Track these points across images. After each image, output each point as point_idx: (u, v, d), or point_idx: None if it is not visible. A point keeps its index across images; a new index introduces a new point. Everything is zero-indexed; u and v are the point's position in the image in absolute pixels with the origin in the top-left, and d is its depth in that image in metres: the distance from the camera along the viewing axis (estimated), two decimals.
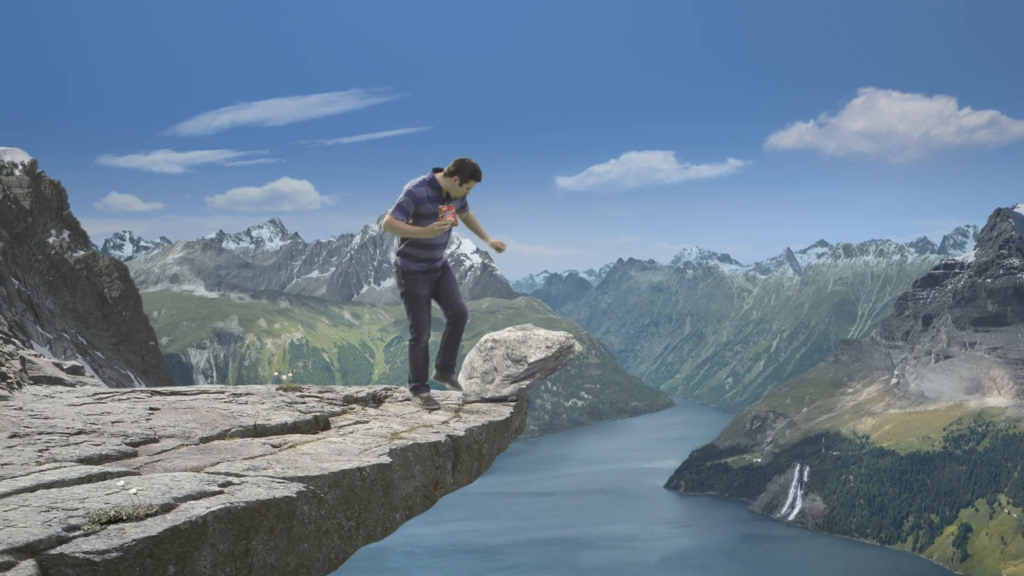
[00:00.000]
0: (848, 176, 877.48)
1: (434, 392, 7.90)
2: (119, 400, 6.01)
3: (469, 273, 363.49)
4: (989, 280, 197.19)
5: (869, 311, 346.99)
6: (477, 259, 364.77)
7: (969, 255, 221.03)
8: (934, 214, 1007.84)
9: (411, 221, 7.39)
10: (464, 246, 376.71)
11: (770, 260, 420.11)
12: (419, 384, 7.79)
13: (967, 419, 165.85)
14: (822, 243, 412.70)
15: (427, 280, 7.71)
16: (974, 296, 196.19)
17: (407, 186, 7.35)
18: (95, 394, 6.22)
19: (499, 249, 7.96)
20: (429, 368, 7.92)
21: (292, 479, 4.21)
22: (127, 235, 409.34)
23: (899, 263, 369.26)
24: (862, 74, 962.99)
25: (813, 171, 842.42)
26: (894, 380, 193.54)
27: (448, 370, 8.04)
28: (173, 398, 6.20)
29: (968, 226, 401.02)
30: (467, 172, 7.39)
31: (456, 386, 7.95)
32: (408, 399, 7.55)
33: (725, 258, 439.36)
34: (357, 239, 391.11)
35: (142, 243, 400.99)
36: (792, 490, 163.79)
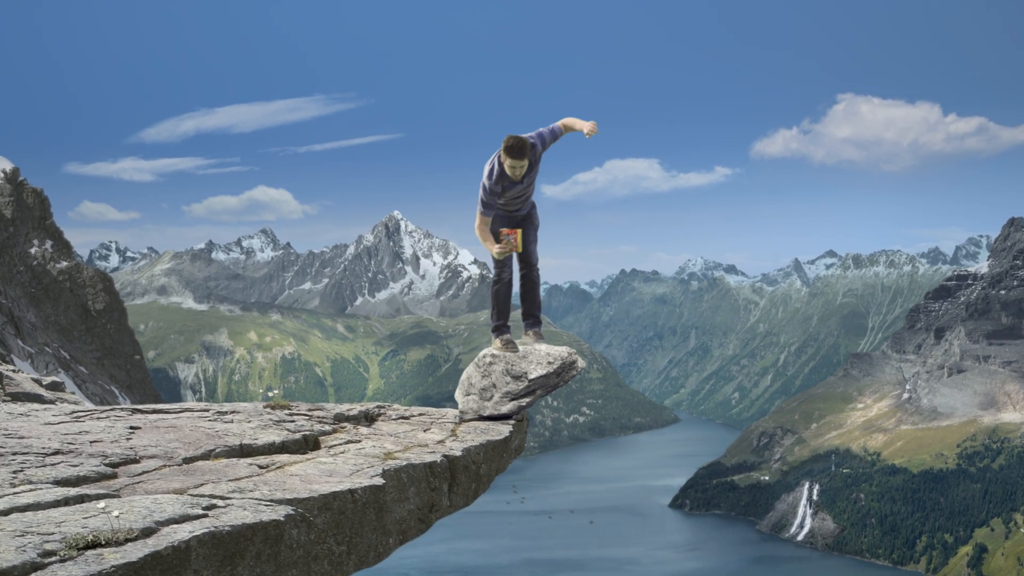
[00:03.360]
0: (841, 184, 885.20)
1: (432, 410, 7.82)
2: (98, 419, 5.94)
3: (467, 284, 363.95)
4: (1003, 291, 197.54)
5: (880, 324, 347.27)
6: (475, 270, 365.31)
7: (982, 266, 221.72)
8: (937, 223, 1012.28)
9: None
10: (461, 256, 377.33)
11: (777, 271, 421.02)
12: (499, 324, 8.07)
13: (981, 435, 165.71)
14: (831, 253, 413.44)
15: (503, 223, 7.96)
16: (988, 308, 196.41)
17: (483, 178, 7.62)
18: (73, 412, 6.14)
19: (591, 132, 7.97)
20: (510, 309, 8.17)
21: (280, 502, 4.15)
22: (113, 245, 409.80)
23: (910, 274, 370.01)
24: (840, 79, 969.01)
25: (804, 179, 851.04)
26: (906, 395, 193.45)
27: (529, 319, 8.31)
28: (155, 416, 6.13)
29: (981, 236, 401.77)
30: (504, 150, 7.49)
31: (539, 337, 8.14)
32: (404, 418, 7.48)
33: (731, 269, 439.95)
34: (351, 249, 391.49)
35: (128, 254, 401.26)
36: (801, 509, 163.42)
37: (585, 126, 7.90)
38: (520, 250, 7.71)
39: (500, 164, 7.61)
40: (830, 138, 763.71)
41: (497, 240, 7.69)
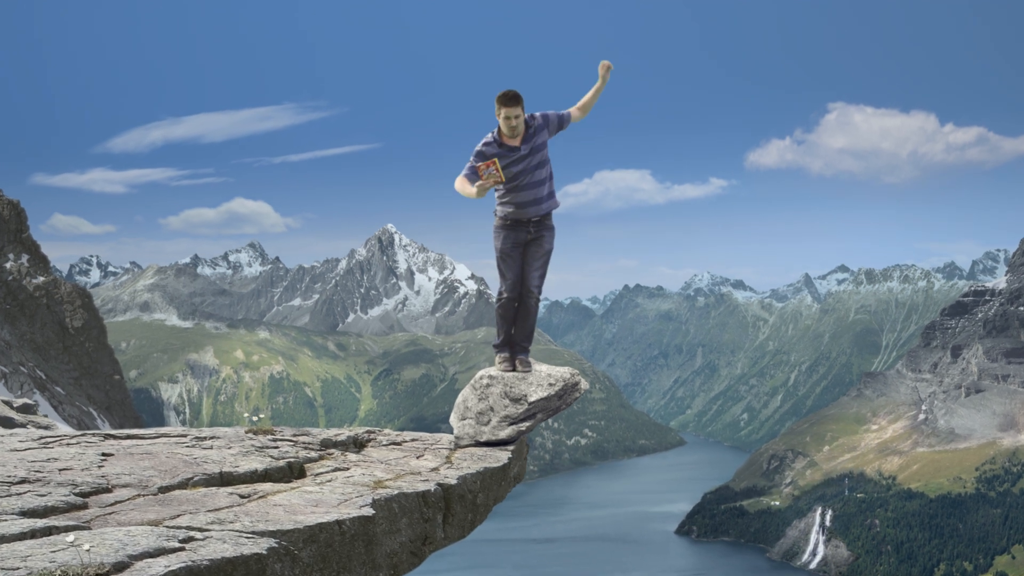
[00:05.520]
0: (844, 196, 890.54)
1: (425, 435, 7.73)
2: (68, 445, 5.86)
3: (464, 300, 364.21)
4: (1022, 308, 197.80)
5: (894, 341, 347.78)
6: (472, 285, 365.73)
7: (1000, 281, 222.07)
8: (948, 237, 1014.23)
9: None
10: (458, 271, 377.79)
11: (787, 287, 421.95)
12: (499, 343, 8.13)
13: (1001, 458, 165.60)
14: (842, 268, 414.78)
15: (512, 235, 7.92)
16: (1006, 325, 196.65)
17: (479, 144, 7.72)
18: (41, 438, 6.06)
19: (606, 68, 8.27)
20: (511, 328, 8.19)
21: (262, 534, 4.09)
22: (94, 260, 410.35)
23: (925, 289, 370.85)
24: (830, 88, 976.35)
25: (804, 191, 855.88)
26: (922, 416, 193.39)
27: (515, 347, 8.19)
28: (129, 442, 6.06)
29: (998, 250, 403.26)
30: (497, 99, 7.59)
31: (526, 366, 7.98)
32: (394, 444, 7.40)
33: (739, 284, 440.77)
34: (343, 264, 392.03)
35: (110, 268, 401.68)
36: (813, 536, 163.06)
37: (600, 74, 8.21)
38: (504, 179, 7.45)
39: (498, 135, 7.65)
40: (825, 148, 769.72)
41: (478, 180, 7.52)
